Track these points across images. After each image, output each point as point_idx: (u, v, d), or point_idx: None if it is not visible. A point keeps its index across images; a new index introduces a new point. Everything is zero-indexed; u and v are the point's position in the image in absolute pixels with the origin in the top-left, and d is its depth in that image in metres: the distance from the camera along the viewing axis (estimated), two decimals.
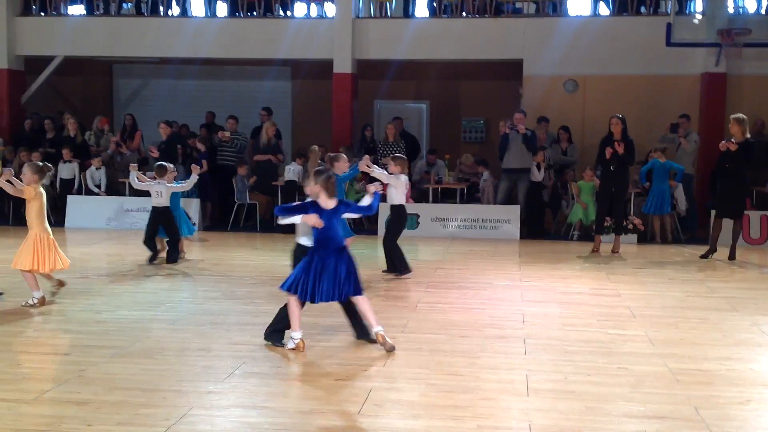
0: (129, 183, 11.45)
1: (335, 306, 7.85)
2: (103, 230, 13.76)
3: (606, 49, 15.25)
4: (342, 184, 9.31)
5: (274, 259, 11.00)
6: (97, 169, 14.71)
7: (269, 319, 7.19)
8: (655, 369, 5.82)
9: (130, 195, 14.36)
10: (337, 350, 6.30)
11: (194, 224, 12.08)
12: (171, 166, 10.92)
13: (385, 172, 9.66)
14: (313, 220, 6.08)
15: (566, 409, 4.93)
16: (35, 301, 7.73)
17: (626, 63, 15.22)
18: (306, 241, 6.39)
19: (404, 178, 9.74)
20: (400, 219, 9.74)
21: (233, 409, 4.92)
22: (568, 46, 15.24)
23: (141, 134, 16.00)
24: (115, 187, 14.97)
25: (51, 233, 7.90)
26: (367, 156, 9.37)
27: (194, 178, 10.78)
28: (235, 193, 14.37)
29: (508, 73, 16.50)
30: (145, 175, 11.14)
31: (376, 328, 6.24)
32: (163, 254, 10.56)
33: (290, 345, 6.21)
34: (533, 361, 6.03)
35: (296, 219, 6.29)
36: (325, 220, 6.12)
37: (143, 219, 13.81)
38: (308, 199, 6.32)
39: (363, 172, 9.93)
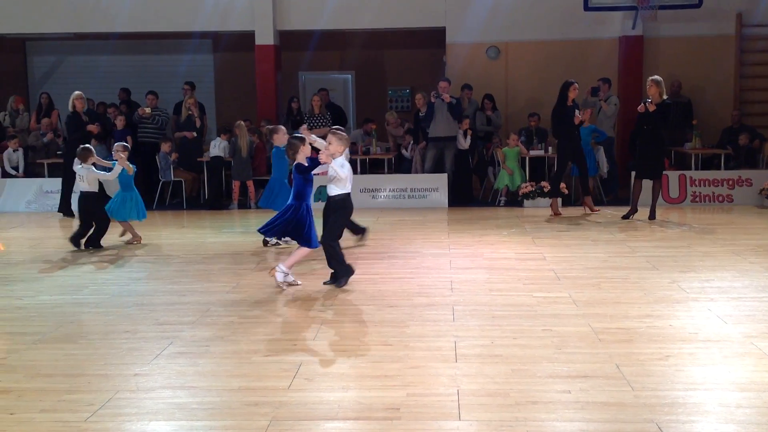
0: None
1: (266, 281, 7.81)
2: (23, 213, 13.38)
3: (526, 15, 15.42)
4: (285, 157, 9.38)
5: (201, 237, 10.86)
6: (14, 150, 14.27)
7: (197, 298, 7.15)
8: (579, 329, 5.97)
9: (48, 176, 14.01)
10: (266, 326, 6.28)
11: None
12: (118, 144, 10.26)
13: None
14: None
15: (493, 373, 5.02)
16: None
17: (546, 28, 15.43)
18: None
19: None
20: None
21: (161, 391, 4.85)
22: (490, 12, 15.36)
23: (58, 113, 15.54)
24: (33, 168, 14.53)
25: None
26: (303, 126, 9.39)
27: (117, 168, 9.92)
28: (159, 170, 14.10)
29: (431, 41, 16.54)
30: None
31: (280, 265, 7.43)
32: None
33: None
34: (461, 327, 6.10)
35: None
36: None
37: None
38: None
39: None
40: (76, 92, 12.72)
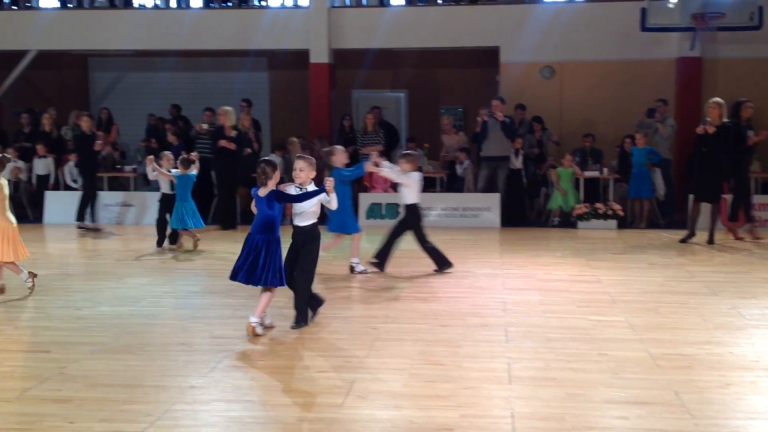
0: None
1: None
2: None
3: (581, 35, 15.29)
4: (344, 179, 8.91)
5: None
6: (75, 164, 14.58)
7: (250, 313, 7.17)
8: (636, 354, 5.87)
9: (108, 190, 14.31)
10: (320, 342, 6.30)
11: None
12: (169, 153, 11.18)
13: (396, 169, 9.24)
14: (252, 205, 6.62)
15: (548, 397, 4.96)
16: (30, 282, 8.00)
17: (602, 48, 15.28)
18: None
19: (416, 175, 9.24)
20: (415, 217, 9.19)
21: (216, 404, 4.91)
22: (544, 32, 15.26)
23: (117, 128, 15.90)
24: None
25: (14, 223, 7.86)
26: (374, 153, 8.85)
27: (148, 169, 10.93)
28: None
29: (485, 60, 16.52)
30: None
31: (252, 318, 6.47)
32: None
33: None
34: (514, 348, 6.05)
35: None
36: (257, 206, 6.51)
37: (122, 213, 13.94)
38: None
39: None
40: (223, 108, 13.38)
